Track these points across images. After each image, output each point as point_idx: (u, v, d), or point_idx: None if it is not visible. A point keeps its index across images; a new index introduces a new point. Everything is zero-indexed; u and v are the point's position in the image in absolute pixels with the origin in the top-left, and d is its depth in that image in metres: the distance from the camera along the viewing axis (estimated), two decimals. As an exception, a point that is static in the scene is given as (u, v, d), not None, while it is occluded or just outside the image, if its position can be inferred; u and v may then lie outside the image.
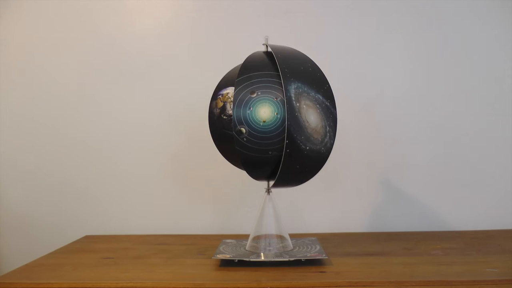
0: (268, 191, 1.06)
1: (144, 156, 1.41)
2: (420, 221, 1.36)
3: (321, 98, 0.93)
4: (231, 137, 0.94)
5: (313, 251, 1.03)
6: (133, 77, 1.41)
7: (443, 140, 1.37)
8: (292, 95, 0.91)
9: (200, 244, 1.20)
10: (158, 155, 1.41)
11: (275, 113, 0.91)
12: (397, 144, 1.37)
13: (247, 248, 1.07)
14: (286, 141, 0.90)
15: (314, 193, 1.37)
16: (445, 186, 1.37)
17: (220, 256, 1.01)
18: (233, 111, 0.92)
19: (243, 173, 1.00)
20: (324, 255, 1.00)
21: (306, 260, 0.98)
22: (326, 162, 0.96)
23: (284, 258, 0.98)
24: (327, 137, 0.94)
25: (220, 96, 0.99)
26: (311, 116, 0.92)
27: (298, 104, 0.91)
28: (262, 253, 1.02)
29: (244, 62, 0.97)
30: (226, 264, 1.00)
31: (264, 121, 0.91)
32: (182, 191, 1.41)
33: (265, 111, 0.91)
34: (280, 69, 0.92)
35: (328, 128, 0.94)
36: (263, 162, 0.94)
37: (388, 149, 1.37)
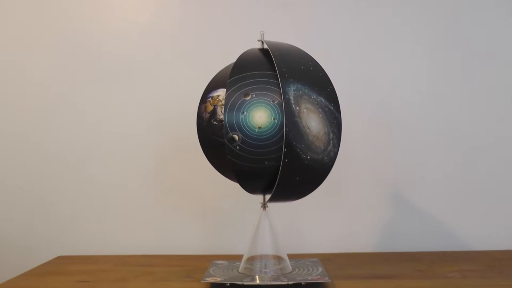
0: (264, 206, 1.06)
1: (125, 166, 1.41)
2: (435, 240, 1.36)
3: (323, 101, 0.93)
4: (222, 145, 0.93)
5: (315, 274, 1.03)
6: (112, 78, 1.40)
7: (461, 149, 1.37)
8: (291, 97, 0.90)
9: (188, 266, 1.19)
10: (140, 165, 1.40)
11: (272, 118, 0.91)
12: (410, 153, 1.37)
13: (240, 270, 1.06)
14: (284, 150, 0.89)
15: (315, 208, 1.37)
16: (463, 201, 1.37)
17: (210, 280, 1.00)
18: (224, 116, 0.92)
19: (236, 185, 0.99)
20: (327, 278, 1.00)
21: (307, 284, 0.97)
22: (330, 174, 0.96)
23: (282, 281, 0.97)
24: (331, 145, 0.93)
25: (209, 99, 0.99)
26: (312, 122, 0.91)
27: (297, 108, 0.90)
28: (257, 276, 1.01)
29: (236, 61, 0.97)
30: (217, 288, 0.99)
31: (259, 127, 0.91)
32: (167, 206, 1.40)
33: (260, 116, 0.91)
34: (278, 68, 0.92)
35: (331, 135, 0.93)
36: (258, 173, 0.94)
37: (400, 159, 1.38)
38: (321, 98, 0.93)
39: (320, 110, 0.92)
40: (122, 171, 1.41)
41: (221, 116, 0.96)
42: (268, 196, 1.00)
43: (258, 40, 1.02)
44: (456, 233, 1.36)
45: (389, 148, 1.37)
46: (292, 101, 0.90)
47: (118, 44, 1.40)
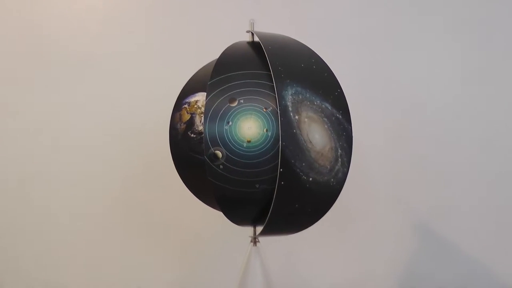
0: (255, 240, 1.03)
1: (76, 190, 1.39)
2: (469, 282, 1.34)
3: (329, 108, 0.91)
4: (201, 163, 0.90)
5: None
6: (62, 79, 1.40)
7: (503, 170, 1.35)
8: (289, 103, 0.88)
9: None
10: (99, 189, 1.39)
11: (264, 130, 0.88)
12: (439, 175, 1.35)
13: (225, 320, 1.05)
14: (280, 170, 0.86)
15: (319, 244, 1.35)
16: (505, 234, 1.35)
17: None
18: (204, 127, 0.89)
19: (219, 214, 0.97)
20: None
21: None
22: (337, 200, 0.93)
23: (277, 336, 0.96)
24: (339, 163, 0.91)
25: (186, 106, 0.97)
26: (315, 134, 0.89)
27: (297, 117, 0.88)
28: (246, 329, 0.98)
29: (220, 57, 0.94)
30: None
31: (248, 141, 0.88)
32: (135, 240, 1.38)
33: (250, 127, 0.89)
34: (272, 66, 0.89)
35: (340, 151, 0.91)
36: (247, 200, 0.91)
37: (427, 182, 1.35)
38: (327, 104, 0.91)
39: (325, 119, 0.90)
40: (73, 196, 1.39)
41: (201, 127, 0.94)
42: (259, 228, 0.97)
43: (247, 31, 1.00)
44: (496, 274, 1.34)
45: (414, 168, 1.35)
46: (290, 108, 0.88)
47: (70, 38, 1.39)
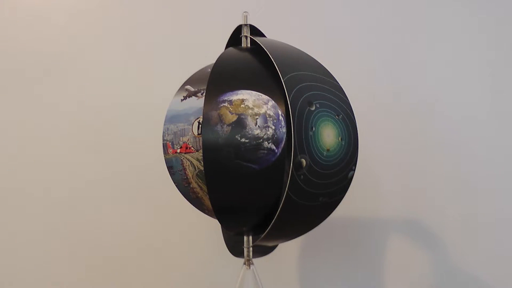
0: (249, 262, 1.04)
1: (50, 211, 1.40)
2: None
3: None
4: (253, 173, 0.92)
5: None
6: (19, 81, 1.43)
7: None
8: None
9: None
10: (74, 212, 1.40)
11: (339, 138, 0.95)
12: (463, 187, 1.42)
13: None
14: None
15: (323, 266, 1.33)
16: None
17: None
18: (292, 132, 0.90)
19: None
20: None
21: None
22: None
23: None
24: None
25: (225, 104, 0.94)
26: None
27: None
28: None
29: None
30: None
31: (328, 150, 0.94)
32: (103, 260, 1.40)
33: (328, 135, 0.94)
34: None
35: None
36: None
37: (448, 196, 1.42)
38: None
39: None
40: (38, 217, 1.42)
41: (256, 131, 0.92)
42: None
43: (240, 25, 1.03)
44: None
45: (432, 181, 1.40)
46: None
47: (27, 29, 1.43)
